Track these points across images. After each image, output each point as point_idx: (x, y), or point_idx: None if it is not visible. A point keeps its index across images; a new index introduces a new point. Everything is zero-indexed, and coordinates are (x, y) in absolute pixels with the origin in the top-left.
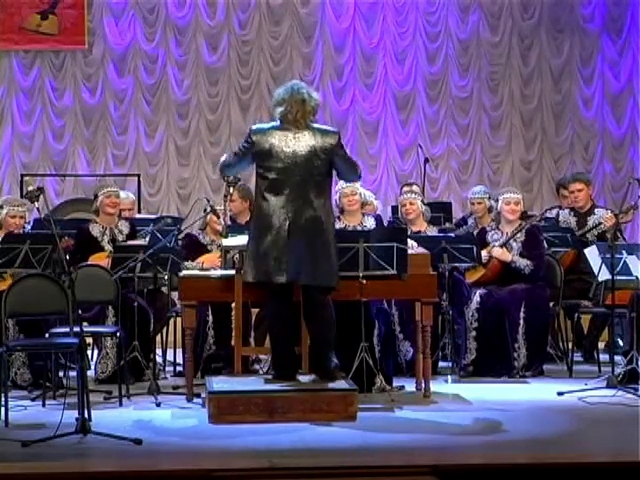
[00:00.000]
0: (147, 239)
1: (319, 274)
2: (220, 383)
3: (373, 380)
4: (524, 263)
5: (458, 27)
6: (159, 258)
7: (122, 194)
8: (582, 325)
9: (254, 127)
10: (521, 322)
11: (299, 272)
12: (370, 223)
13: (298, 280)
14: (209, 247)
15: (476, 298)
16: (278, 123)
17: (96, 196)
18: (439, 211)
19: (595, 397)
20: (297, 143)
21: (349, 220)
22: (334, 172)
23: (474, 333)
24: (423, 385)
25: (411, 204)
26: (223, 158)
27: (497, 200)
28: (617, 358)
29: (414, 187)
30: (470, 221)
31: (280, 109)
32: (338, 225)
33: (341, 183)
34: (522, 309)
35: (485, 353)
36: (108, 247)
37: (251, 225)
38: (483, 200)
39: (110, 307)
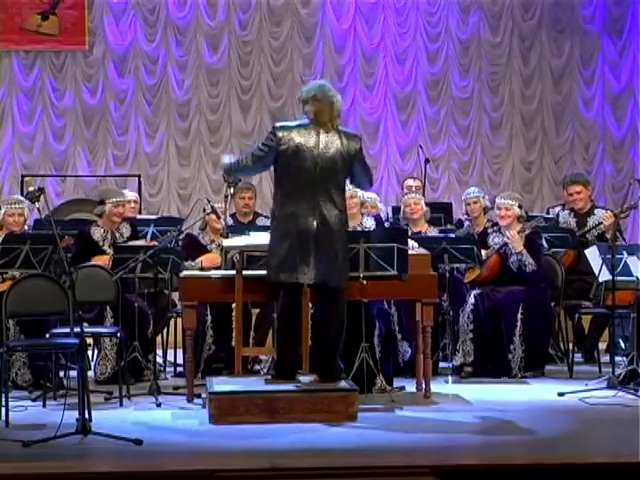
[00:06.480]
0: (147, 239)
1: (341, 275)
2: (221, 384)
3: (373, 380)
4: (529, 260)
5: (459, 28)
6: (160, 259)
7: (128, 194)
8: (583, 326)
9: (279, 124)
10: (518, 324)
11: (325, 273)
12: (370, 224)
13: (325, 281)
14: (209, 247)
15: (471, 300)
16: (306, 121)
17: (102, 201)
18: (439, 212)
19: (596, 398)
20: (324, 144)
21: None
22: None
23: (471, 335)
24: (423, 385)
25: (416, 204)
26: (230, 159)
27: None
28: (617, 359)
29: (417, 182)
30: (466, 223)
31: (311, 107)
32: None
33: None
34: (520, 311)
35: (482, 355)
36: (109, 251)
37: (274, 226)
38: (478, 199)
39: (108, 308)
